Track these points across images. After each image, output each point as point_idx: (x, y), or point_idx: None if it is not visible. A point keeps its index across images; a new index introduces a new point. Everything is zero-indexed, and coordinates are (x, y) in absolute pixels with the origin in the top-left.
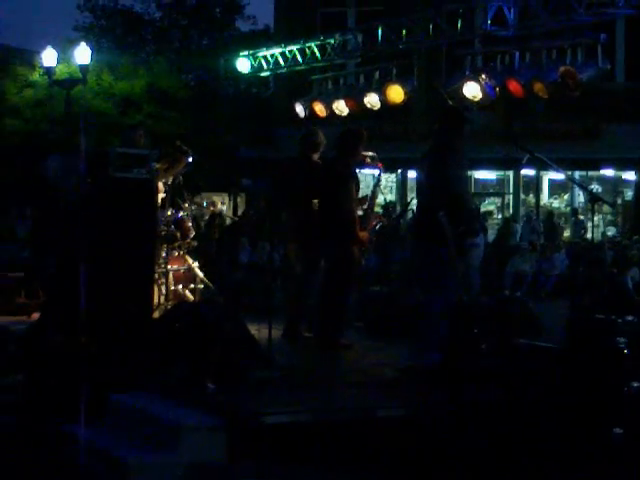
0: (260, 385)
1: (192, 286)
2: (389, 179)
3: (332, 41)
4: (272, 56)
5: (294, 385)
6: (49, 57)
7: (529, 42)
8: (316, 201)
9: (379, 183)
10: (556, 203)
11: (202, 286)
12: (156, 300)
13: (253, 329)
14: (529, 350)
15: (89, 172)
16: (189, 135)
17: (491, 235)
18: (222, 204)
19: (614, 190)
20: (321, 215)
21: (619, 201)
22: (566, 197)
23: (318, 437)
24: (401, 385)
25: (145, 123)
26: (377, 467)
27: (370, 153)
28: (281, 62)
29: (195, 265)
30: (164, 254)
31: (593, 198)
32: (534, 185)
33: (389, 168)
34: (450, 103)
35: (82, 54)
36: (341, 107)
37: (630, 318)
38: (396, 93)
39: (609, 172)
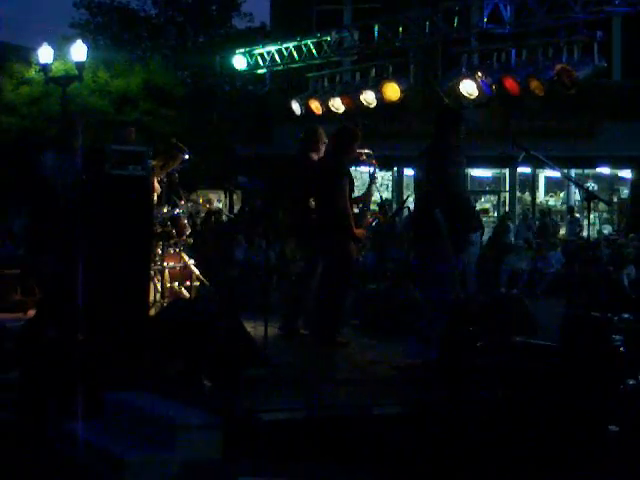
0: (256, 383)
1: (188, 283)
2: (385, 177)
3: (328, 38)
4: (268, 53)
5: (290, 383)
6: (45, 54)
7: (525, 40)
8: (312, 200)
9: (374, 181)
10: (552, 201)
11: (198, 283)
12: (152, 297)
13: (249, 326)
14: (525, 348)
15: (85, 169)
16: (185, 132)
17: (487, 233)
18: (218, 202)
19: (610, 188)
20: (317, 213)
21: (615, 199)
22: (562, 195)
23: (314, 434)
24: (397, 383)
25: (141, 120)
26: (373, 465)
27: (366, 151)
28: (277, 59)
29: (191, 262)
30: (160, 251)
31: (589, 196)
32: (530, 183)
33: (385, 166)
34: (446, 101)
35: (78, 51)
36: (337, 104)
37: (626, 316)
38: (392, 91)
39: (605, 170)
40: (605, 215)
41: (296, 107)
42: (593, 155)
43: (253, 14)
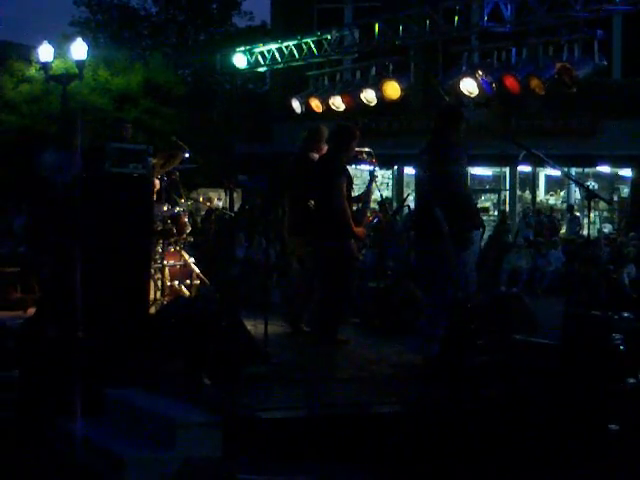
0: (256, 381)
1: (188, 282)
2: (385, 175)
3: (329, 37)
4: (269, 52)
5: (290, 381)
6: (45, 52)
7: (526, 38)
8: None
9: (374, 179)
10: (552, 200)
11: (198, 282)
12: (152, 296)
13: (249, 325)
14: (525, 346)
15: (85, 167)
16: (185, 131)
17: (487, 232)
18: (218, 200)
19: (610, 187)
20: (316, 211)
21: (615, 198)
22: (562, 194)
23: (313, 433)
24: (397, 381)
25: (141, 119)
26: (373, 463)
27: (366, 149)
28: (278, 58)
29: (191, 261)
30: (160, 249)
31: (589, 195)
32: (530, 182)
33: (385, 164)
34: (447, 99)
35: (78, 49)
36: (337, 103)
37: (626, 315)
38: (392, 89)
39: (605, 169)
40: (605, 214)
41: (296, 105)
42: (593, 154)
43: (253, 12)
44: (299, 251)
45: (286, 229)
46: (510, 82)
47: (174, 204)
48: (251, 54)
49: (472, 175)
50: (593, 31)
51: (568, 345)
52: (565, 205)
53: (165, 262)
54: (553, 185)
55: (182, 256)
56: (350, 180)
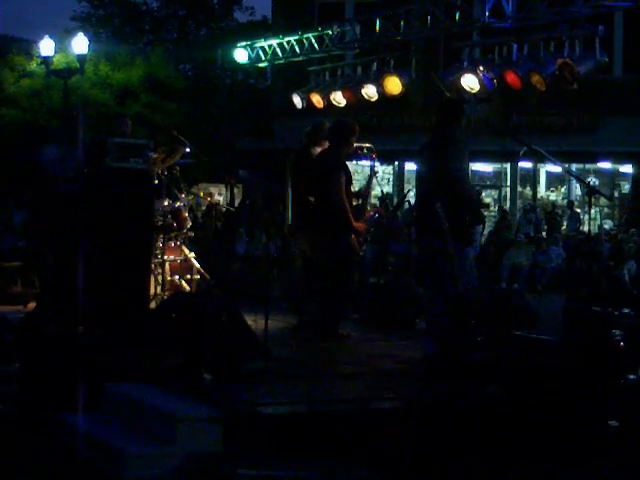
0: (256, 376)
1: (188, 276)
2: (386, 171)
3: (330, 32)
4: (270, 47)
5: (290, 376)
6: (46, 47)
7: (527, 34)
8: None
9: (375, 174)
10: (553, 196)
11: (198, 277)
12: (152, 290)
13: (249, 320)
14: (526, 342)
15: (86, 162)
16: (186, 126)
17: (488, 227)
18: (219, 195)
19: (611, 183)
20: (315, 207)
21: (616, 194)
22: (563, 190)
23: (314, 428)
24: (397, 377)
25: (142, 113)
26: (372, 458)
27: (367, 145)
28: (279, 53)
29: (192, 255)
30: (161, 244)
31: (590, 191)
32: (531, 178)
33: (386, 160)
34: (448, 95)
35: (79, 44)
36: (338, 98)
37: (626, 311)
38: (394, 84)
39: (606, 165)
40: (606, 210)
41: (297, 101)
42: (594, 150)
43: (255, 7)
44: (302, 246)
45: (287, 224)
46: (511, 78)
47: (175, 199)
48: (252, 49)
49: (472, 171)
50: (594, 27)
51: (568, 341)
52: (566, 201)
53: (165, 257)
54: (554, 181)
55: (182, 251)
56: (349, 175)
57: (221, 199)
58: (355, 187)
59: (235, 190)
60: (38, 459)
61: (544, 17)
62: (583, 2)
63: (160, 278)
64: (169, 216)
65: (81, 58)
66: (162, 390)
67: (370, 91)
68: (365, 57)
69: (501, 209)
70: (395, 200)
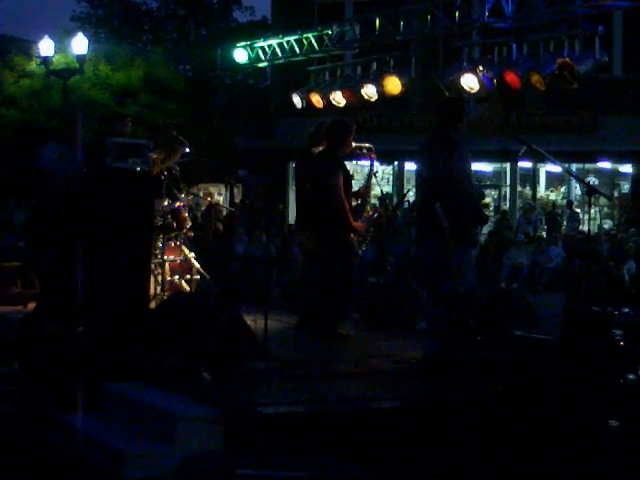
0: (256, 376)
1: (188, 277)
2: (386, 171)
3: (329, 32)
4: (269, 47)
5: (290, 376)
6: (46, 47)
7: (527, 34)
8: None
9: (374, 174)
10: (553, 196)
11: (198, 277)
12: (152, 291)
13: (249, 320)
14: (525, 342)
15: (85, 162)
16: (186, 126)
17: (487, 227)
18: (219, 195)
19: (611, 183)
20: (314, 206)
21: (616, 194)
22: (563, 190)
23: (314, 428)
24: (397, 376)
25: (142, 114)
26: (372, 458)
27: (366, 145)
28: (278, 53)
29: (191, 256)
30: (160, 244)
31: (590, 191)
32: (531, 177)
33: (386, 160)
34: (447, 94)
35: (79, 44)
36: (338, 98)
37: (626, 310)
38: (393, 84)
39: (606, 165)
40: (606, 210)
41: (297, 101)
42: (594, 150)
43: (254, 7)
44: (305, 245)
45: (288, 224)
46: (511, 78)
47: (174, 199)
48: (252, 49)
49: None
50: (594, 27)
51: (568, 341)
52: (565, 201)
53: (165, 257)
54: (553, 181)
55: (182, 251)
56: (348, 175)
57: (221, 199)
58: (355, 187)
59: (235, 190)
60: (37, 459)
61: (544, 17)
62: (582, 2)
63: (160, 278)
64: (169, 216)
65: (80, 58)
66: (162, 390)
67: (370, 91)
68: (365, 57)
69: (497, 209)
70: (395, 200)
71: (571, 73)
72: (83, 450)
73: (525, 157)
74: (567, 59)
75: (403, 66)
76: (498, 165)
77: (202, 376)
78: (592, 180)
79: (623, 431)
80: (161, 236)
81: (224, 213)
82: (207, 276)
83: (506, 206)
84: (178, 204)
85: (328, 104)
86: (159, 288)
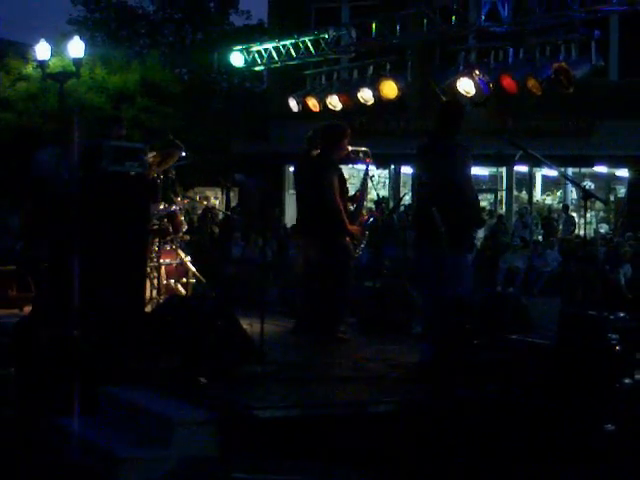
0: (252, 379)
1: (184, 280)
2: (382, 175)
3: (326, 36)
4: (266, 51)
5: (286, 380)
6: (42, 50)
7: (523, 38)
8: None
9: (370, 178)
10: (549, 200)
11: (194, 280)
12: (148, 294)
13: (245, 323)
14: (521, 346)
15: (82, 165)
16: (182, 129)
17: (483, 231)
18: (215, 198)
19: (607, 187)
20: (310, 210)
21: (612, 198)
22: (559, 194)
23: (310, 432)
24: (393, 381)
25: (138, 117)
26: (369, 462)
27: (362, 148)
28: (275, 57)
29: (187, 259)
30: (156, 248)
31: (586, 195)
32: (527, 182)
33: (382, 164)
34: (444, 99)
35: (75, 47)
36: (334, 102)
37: (622, 315)
38: (390, 88)
39: (602, 169)
40: (602, 214)
41: (293, 104)
42: (590, 154)
43: (251, 11)
44: (304, 249)
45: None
46: (507, 82)
47: (170, 202)
48: (248, 53)
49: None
50: (590, 31)
51: (564, 345)
52: (561, 205)
53: (161, 260)
54: (550, 185)
55: (178, 254)
56: (343, 179)
57: (217, 203)
58: (351, 191)
59: (231, 194)
60: (34, 462)
61: (540, 21)
62: (579, 6)
63: (156, 282)
64: (165, 220)
65: (77, 62)
66: (157, 393)
67: (366, 95)
68: (361, 61)
69: (490, 212)
70: (391, 204)
71: (567, 78)
72: (79, 454)
73: (521, 161)
74: (563, 64)
75: (399, 70)
76: (494, 169)
77: (198, 380)
78: (588, 184)
79: (619, 436)
80: (157, 240)
81: (220, 217)
82: (203, 280)
83: (502, 210)
84: (174, 208)
85: (324, 108)
86: (155, 291)
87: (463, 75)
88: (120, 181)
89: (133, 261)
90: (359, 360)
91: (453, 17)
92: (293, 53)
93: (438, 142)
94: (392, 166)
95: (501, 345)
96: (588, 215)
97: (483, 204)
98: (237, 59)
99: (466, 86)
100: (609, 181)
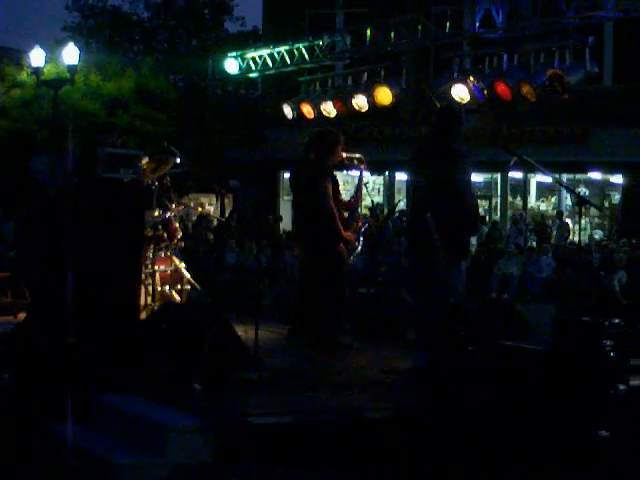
0: (247, 387)
1: (179, 287)
2: (376, 181)
3: (320, 42)
4: (260, 57)
5: (281, 386)
6: (37, 57)
7: (517, 44)
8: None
9: (364, 184)
10: (543, 206)
11: (189, 287)
12: (143, 301)
13: (240, 330)
14: (516, 352)
15: (76, 172)
16: (177, 136)
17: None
18: (210, 205)
19: (601, 193)
20: (304, 216)
21: (606, 204)
22: (553, 200)
23: (305, 439)
24: (388, 387)
25: (133, 124)
26: (364, 469)
27: (357, 155)
28: (269, 63)
29: (182, 266)
30: (151, 255)
31: (580, 201)
32: (521, 188)
33: (376, 170)
34: (438, 105)
35: (70, 54)
36: (329, 109)
37: (617, 321)
38: (384, 95)
39: (596, 175)
40: (596, 220)
41: (288, 111)
42: (585, 160)
43: (245, 18)
44: (300, 255)
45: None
46: (501, 88)
47: (165, 209)
48: (243, 59)
49: None
50: (584, 38)
51: (559, 351)
52: (556, 211)
53: (156, 267)
54: (544, 191)
55: (173, 261)
56: (337, 185)
57: (212, 209)
58: (345, 197)
59: (226, 200)
60: (27, 470)
61: (534, 28)
62: (573, 13)
63: (150, 288)
64: (159, 227)
65: (71, 68)
66: (152, 401)
67: (360, 101)
68: (355, 67)
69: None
70: (385, 210)
71: (562, 84)
72: (73, 461)
73: (516, 167)
74: (558, 70)
75: (394, 77)
76: (489, 175)
77: (193, 387)
78: (582, 190)
79: (613, 442)
80: (152, 246)
81: (215, 223)
82: (198, 286)
83: (497, 216)
84: (169, 214)
85: (319, 114)
86: (150, 298)
87: (457, 81)
88: (114, 188)
89: (127, 268)
90: (354, 367)
91: (447, 24)
92: (287, 60)
93: (437, 147)
94: (386, 172)
95: (495, 351)
96: (583, 221)
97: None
98: (231, 66)
99: (460, 92)
100: (603, 187)
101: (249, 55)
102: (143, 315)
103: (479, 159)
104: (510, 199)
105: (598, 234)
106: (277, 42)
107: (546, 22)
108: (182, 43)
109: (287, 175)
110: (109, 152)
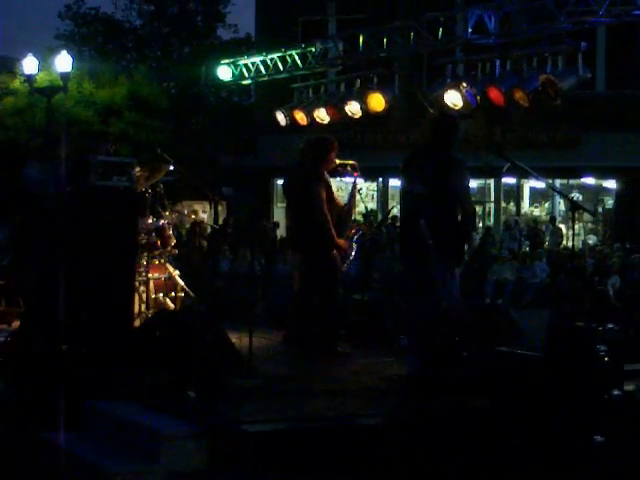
0: (241, 393)
1: (173, 294)
2: (370, 188)
3: (313, 49)
4: (253, 64)
5: (275, 393)
6: (30, 65)
7: (510, 50)
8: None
9: (358, 191)
10: (537, 211)
11: (183, 294)
12: (137, 308)
13: (234, 337)
14: (510, 358)
15: (69, 180)
16: (170, 143)
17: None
18: (203, 213)
19: (595, 198)
20: (298, 223)
21: (600, 209)
22: (547, 205)
23: (298, 445)
24: (382, 393)
25: (126, 131)
26: (358, 475)
27: (350, 162)
28: (262, 70)
29: (176, 273)
30: (145, 262)
31: (574, 206)
32: (515, 193)
33: (370, 177)
34: (431, 111)
35: (63, 62)
36: (322, 115)
37: (611, 326)
38: (377, 101)
39: (590, 180)
40: (590, 225)
41: (281, 118)
42: (578, 165)
43: (238, 25)
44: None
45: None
46: (494, 94)
47: (159, 217)
48: (235, 66)
49: None
50: (577, 43)
51: (553, 357)
52: (549, 217)
53: (150, 275)
54: (537, 197)
55: (167, 269)
56: (331, 191)
57: (205, 217)
58: (340, 203)
59: (219, 207)
60: (21, 477)
61: (527, 33)
62: (565, 18)
63: (144, 296)
64: (153, 234)
65: (64, 76)
66: (146, 408)
67: (353, 108)
68: (348, 74)
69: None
70: (379, 216)
71: (554, 89)
72: (67, 469)
73: (509, 173)
74: (550, 76)
75: (387, 83)
76: (482, 181)
77: (187, 394)
78: (576, 196)
79: (608, 447)
80: (145, 254)
81: (208, 231)
82: (192, 294)
83: (490, 222)
84: (162, 222)
85: (312, 121)
86: (143, 306)
87: (450, 87)
88: (108, 195)
89: (121, 275)
90: (348, 373)
91: (440, 30)
92: (280, 66)
93: (433, 155)
94: (380, 179)
95: (490, 357)
96: (576, 226)
97: None
98: (224, 73)
99: (453, 98)
100: (597, 192)
101: (242, 62)
102: (137, 322)
103: (472, 165)
104: (503, 205)
105: (592, 239)
106: (270, 49)
107: (538, 28)
108: (175, 50)
109: (280, 182)
110: (102, 160)
